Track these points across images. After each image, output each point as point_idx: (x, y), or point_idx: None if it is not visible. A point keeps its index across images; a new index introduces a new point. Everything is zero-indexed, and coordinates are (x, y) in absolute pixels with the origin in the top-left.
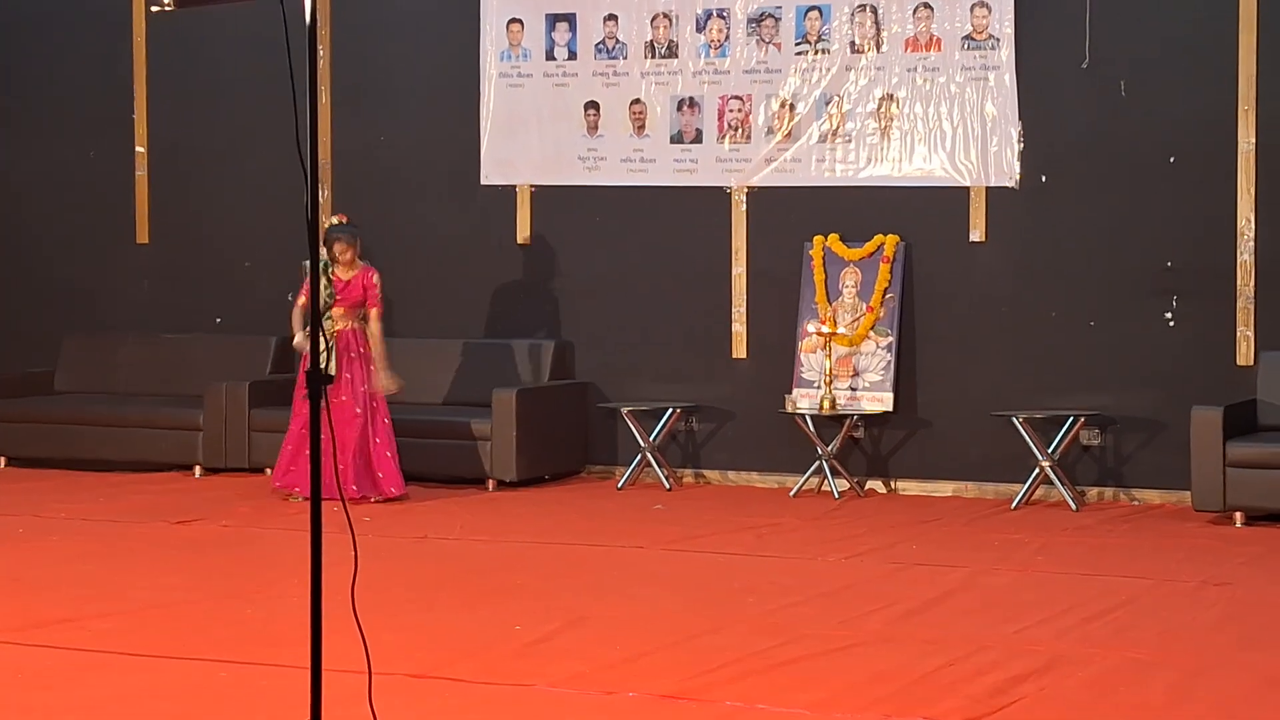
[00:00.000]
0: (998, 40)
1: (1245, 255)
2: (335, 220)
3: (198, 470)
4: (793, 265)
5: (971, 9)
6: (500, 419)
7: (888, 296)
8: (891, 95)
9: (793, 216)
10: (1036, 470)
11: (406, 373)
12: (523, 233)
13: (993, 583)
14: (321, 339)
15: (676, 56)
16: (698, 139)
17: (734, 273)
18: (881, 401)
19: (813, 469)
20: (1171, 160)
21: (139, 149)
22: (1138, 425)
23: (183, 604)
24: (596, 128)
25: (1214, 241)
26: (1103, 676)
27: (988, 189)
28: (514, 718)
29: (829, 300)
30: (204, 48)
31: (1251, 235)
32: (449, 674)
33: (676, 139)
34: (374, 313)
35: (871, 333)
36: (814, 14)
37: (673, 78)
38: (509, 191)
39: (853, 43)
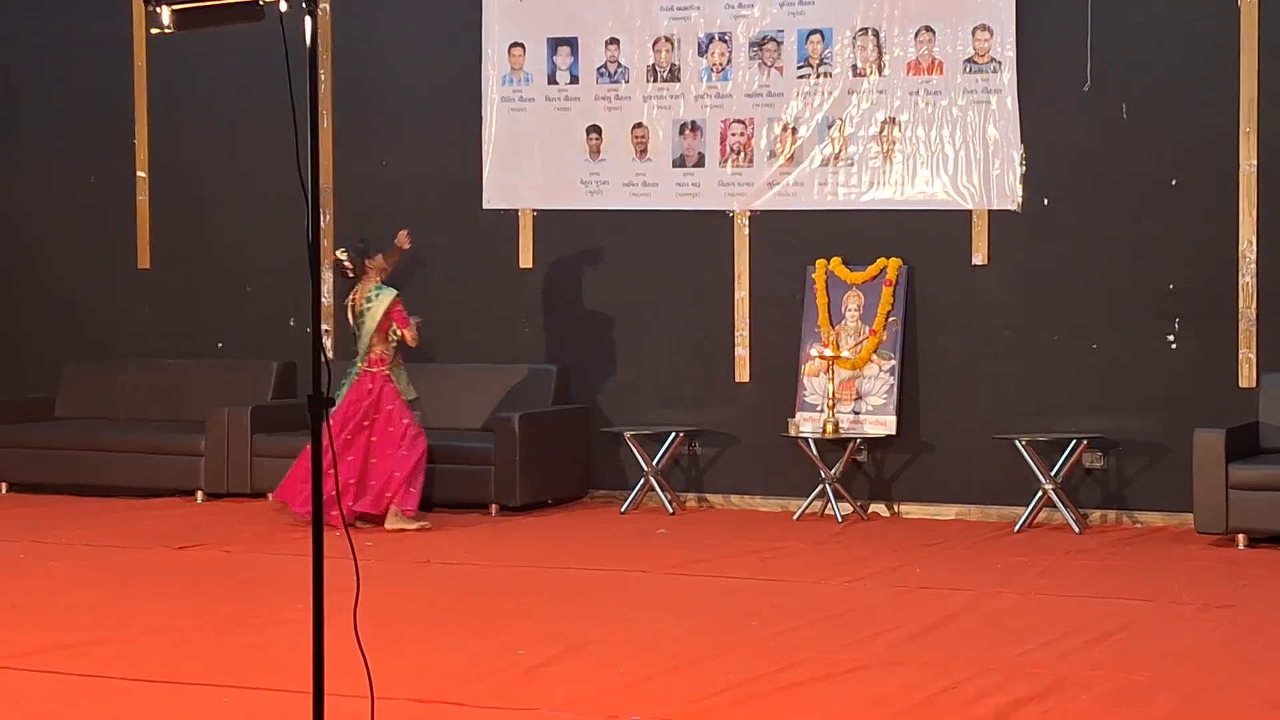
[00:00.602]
0: (999, 63)
1: (1247, 278)
2: (349, 250)
3: (199, 495)
4: (795, 289)
5: (973, 32)
6: (503, 444)
7: (890, 320)
8: (893, 119)
9: (795, 240)
10: (1039, 493)
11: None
12: (525, 257)
13: (996, 606)
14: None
15: (679, 80)
16: (700, 163)
17: (737, 296)
18: (884, 425)
19: (816, 493)
20: (1173, 183)
21: (140, 174)
22: (1140, 448)
23: (185, 629)
24: (599, 151)
25: (1216, 264)
26: (1106, 699)
27: (990, 212)
28: None
29: (832, 324)
30: (205, 72)
31: (1253, 258)
32: (451, 699)
33: (679, 163)
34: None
35: (874, 356)
36: (816, 38)
37: (675, 101)
38: (511, 215)
39: (855, 66)
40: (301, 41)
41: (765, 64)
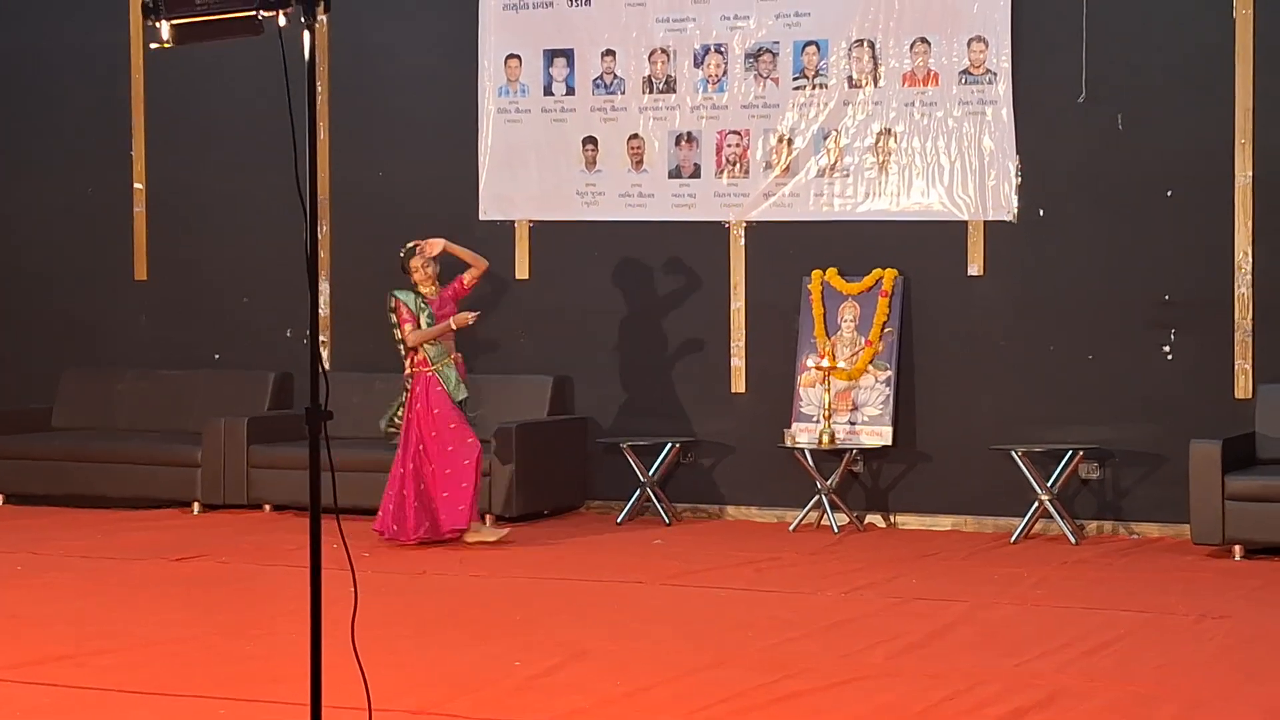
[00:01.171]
0: (995, 75)
1: (1243, 288)
2: (409, 246)
3: (196, 506)
4: (791, 299)
5: (969, 44)
6: (500, 454)
7: (886, 330)
8: (889, 130)
9: (791, 251)
10: (1035, 504)
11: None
12: (521, 268)
13: (993, 616)
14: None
15: (674, 91)
16: (696, 174)
17: (733, 307)
18: (880, 435)
19: (812, 503)
20: (1169, 193)
21: (137, 185)
22: (1136, 459)
23: (182, 641)
24: (595, 163)
25: (1212, 274)
26: (1104, 710)
27: (985, 223)
28: None
29: (828, 334)
30: (202, 84)
31: (1249, 268)
32: (449, 710)
33: (675, 174)
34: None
35: (870, 367)
36: (811, 49)
37: (671, 113)
38: (507, 227)
39: (850, 78)
40: (299, 53)
41: (761, 75)
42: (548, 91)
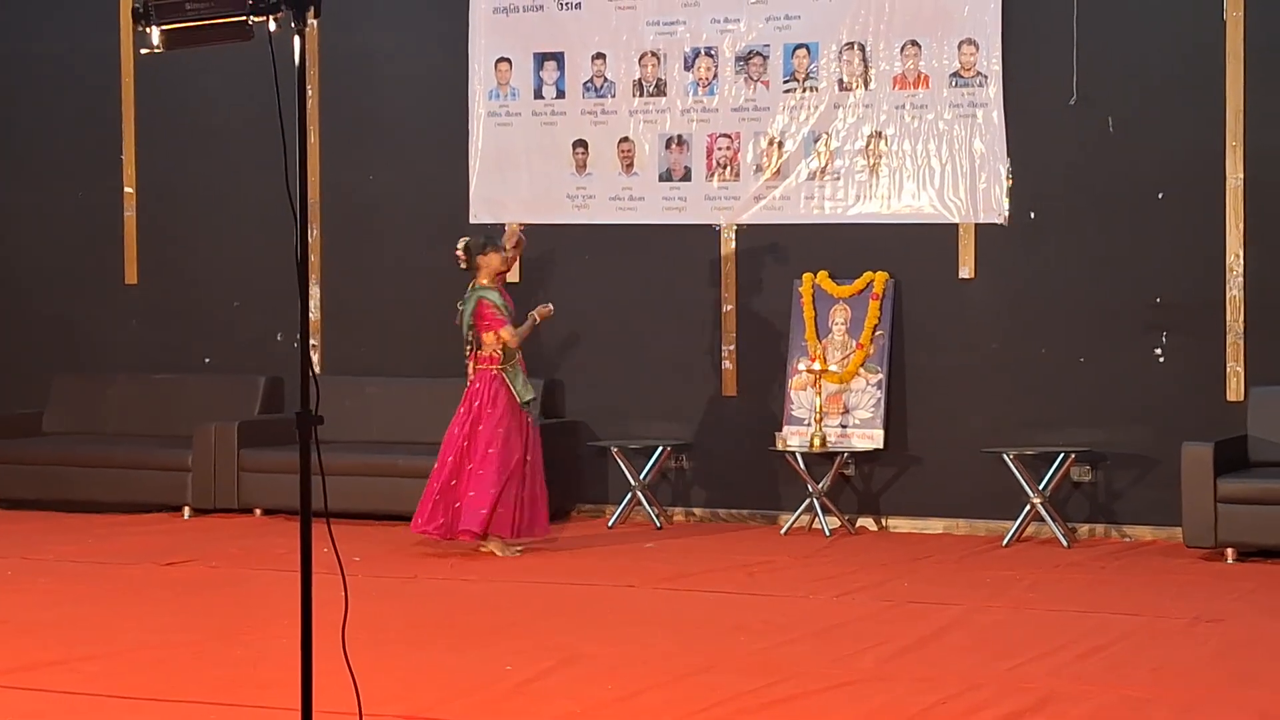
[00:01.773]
0: (985, 77)
1: (1234, 290)
2: (469, 240)
3: (187, 511)
4: (782, 303)
5: (959, 46)
6: None
7: (877, 334)
8: (880, 132)
9: (782, 254)
10: (1028, 507)
11: (399, 412)
12: (512, 271)
13: (985, 620)
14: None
15: (665, 95)
16: (686, 177)
17: (723, 310)
18: (872, 439)
19: (803, 507)
20: (1160, 196)
21: (128, 189)
22: (1129, 461)
23: (172, 645)
24: (585, 166)
25: (1203, 277)
26: (1097, 713)
27: (976, 226)
28: None
29: (819, 337)
30: (193, 88)
31: (1240, 270)
32: (440, 715)
33: (665, 177)
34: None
35: (861, 370)
36: (802, 52)
37: (661, 116)
38: (498, 230)
39: (841, 80)
40: (289, 58)
41: (751, 78)
42: (538, 95)
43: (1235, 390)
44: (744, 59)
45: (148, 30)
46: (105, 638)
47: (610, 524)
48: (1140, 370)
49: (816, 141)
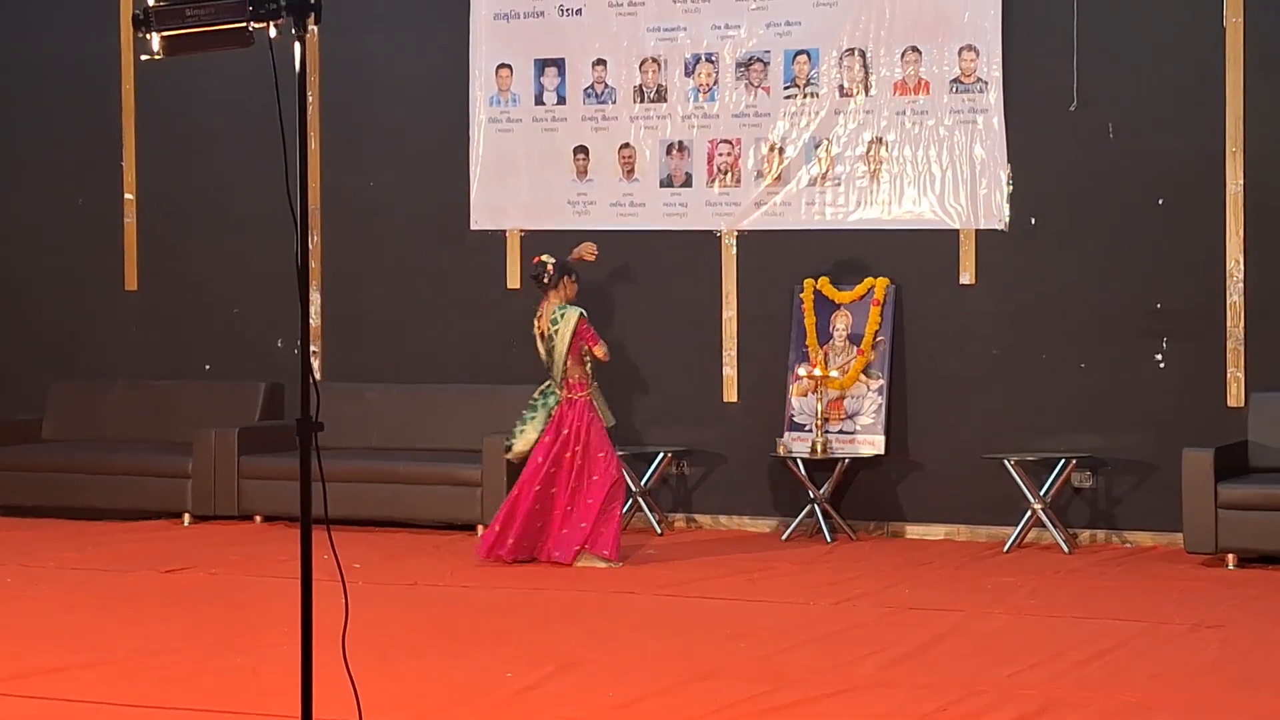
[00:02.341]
0: (986, 83)
1: (1234, 296)
2: (562, 260)
3: (186, 518)
4: (783, 308)
5: (959, 52)
6: (491, 464)
7: (878, 339)
8: (880, 138)
9: (783, 260)
10: (1028, 513)
11: (399, 419)
12: (512, 277)
13: (986, 626)
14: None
15: (665, 101)
16: (687, 183)
17: (724, 316)
18: (873, 444)
19: (805, 512)
20: (1160, 202)
21: (128, 196)
22: (1129, 467)
23: (171, 653)
24: (586, 172)
25: (1203, 283)
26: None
27: (977, 231)
28: None
29: (820, 343)
30: (193, 95)
31: (1240, 276)
32: None
33: (666, 183)
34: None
35: (863, 376)
36: (802, 58)
37: (662, 122)
38: (499, 236)
39: (841, 86)
40: (290, 64)
41: (752, 84)
42: (539, 101)
43: (1236, 396)
44: (745, 65)
45: (148, 36)
46: (104, 645)
47: None
48: (1141, 376)
49: (817, 147)
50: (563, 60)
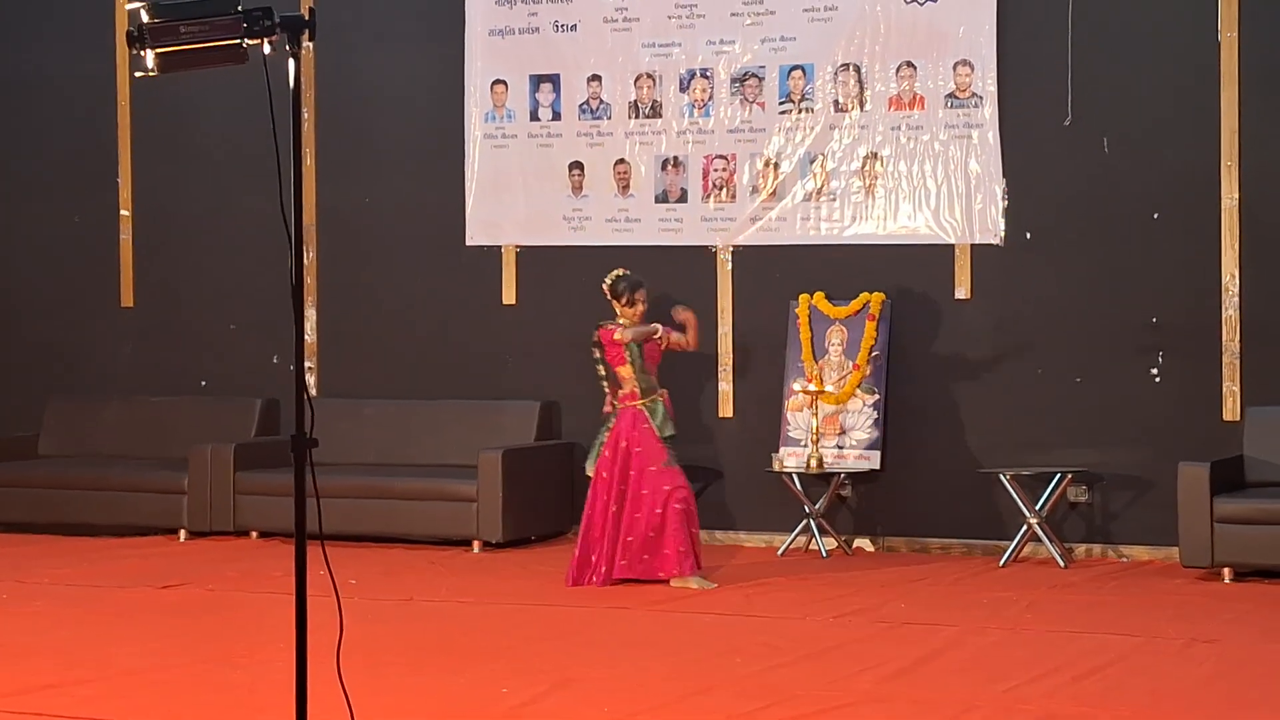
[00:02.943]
0: (981, 98)
1: (1230, 311)
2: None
3: (182, 534)
4: (778, 324)
5: (954, 67)
6: (486, 480)
7: (874, 354)
8: (875, 153)
9: (778, 275)
10: (1024, 528)
11: (395, 434)
12: (508, 293)
13: (982, 641)
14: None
15: (660, 116)
16: (682, 198)
17: (720, 332)
18: (869, 459)
19: (800, 528)
20: (1155, 216)
21: (124, 212)
22: (1125, 482)
23: (167, 669)
24: (581, 188)
25: (1199, 297)
26: None
27: (972, 246)
28: None
29: (815, 358)
30: (188, 111)
31: (1236, 291)
32: None
33: (661, 198)
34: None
35: (858, 391)
36: (797, 73)
37: (657, 137)
38: (494, 252)
39: (836, 101)
40: (285, 81)
41: (747, 100)
42: (534, 117)
43: (1231, 410)
44: (740, 80)
45: (142, 54)
46: (100, 661)
47: None
48: (1136, 390)
49: (812, 163)
50: (558, 76)
